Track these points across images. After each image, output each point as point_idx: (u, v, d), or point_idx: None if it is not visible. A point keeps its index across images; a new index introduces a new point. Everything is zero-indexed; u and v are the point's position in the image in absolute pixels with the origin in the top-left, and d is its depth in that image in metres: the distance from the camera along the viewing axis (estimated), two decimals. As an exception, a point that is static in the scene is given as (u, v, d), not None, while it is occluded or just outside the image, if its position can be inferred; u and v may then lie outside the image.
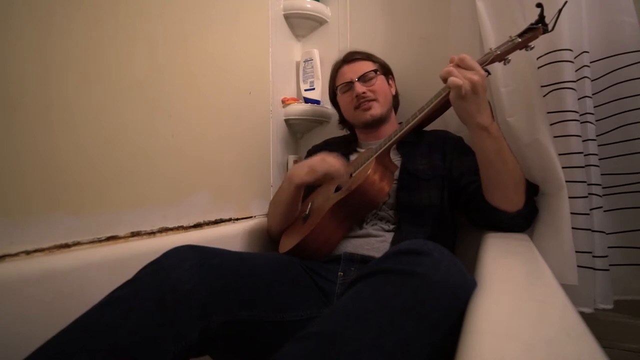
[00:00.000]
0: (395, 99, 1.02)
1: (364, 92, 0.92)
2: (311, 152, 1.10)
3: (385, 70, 1.00)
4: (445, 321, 0.40)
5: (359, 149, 1.00)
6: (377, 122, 0.94)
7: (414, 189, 0.82)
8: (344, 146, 1.03)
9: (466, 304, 0.40)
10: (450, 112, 0.73)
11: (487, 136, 0.66)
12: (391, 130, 0.84)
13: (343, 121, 1.08)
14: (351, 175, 0.84)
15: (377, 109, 0.93)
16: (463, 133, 0.92)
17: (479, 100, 0.64)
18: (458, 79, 0.63)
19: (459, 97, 0.64)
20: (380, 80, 0.95)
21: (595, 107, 0.78)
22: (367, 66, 0.96)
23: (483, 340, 0.30)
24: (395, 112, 1.04)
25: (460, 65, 0.64)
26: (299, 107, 1.28)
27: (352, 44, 1.26)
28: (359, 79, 0.93)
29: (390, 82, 1.01)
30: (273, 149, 1.23)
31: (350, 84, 0.95)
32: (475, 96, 0.64)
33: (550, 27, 0.62)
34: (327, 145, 1.08)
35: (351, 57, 0.99)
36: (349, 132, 1.09)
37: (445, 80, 0.65)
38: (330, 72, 1.04)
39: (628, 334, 0.89)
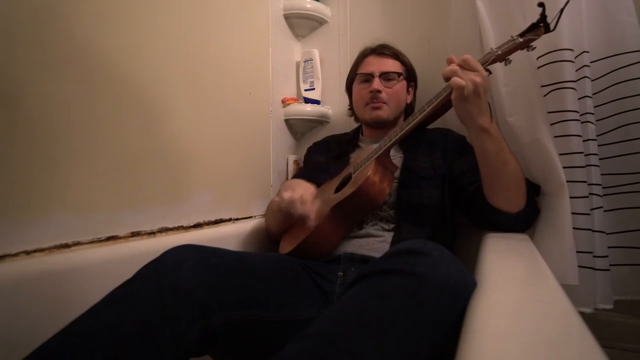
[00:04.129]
0: (410, 108, 1.00)
1: (379, 91, 0.90)
2: (311, 150, 1.09)
3: (409, 75, 0.97)
4: (445, 321, 0.40)
5: (360, 144, 1.00)
6: (381, 125, 0.94)
7: (415, 187, 0.82)
8: (344, 144, 1.02)
9: (466, 303, 0.40)
10: (451, 112, 0.72)
11: (488, 137, 0.66)
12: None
13: (352, 109, 1.05)
14: (351, 174, 0.84)
15: (384, 112, 0.92)
16: (464, 132, 0.92)
17: (480, 102, 0.64)
18: (461, 79, 0.62)
19: (461, 98, 0.64)
20: (400, 86, 0.93)
21: (595, 107, 0.78)
22: (393, 66, 0.94)
23: (483, 340, 0.30)
24: (405, 119, 1.03)
25: (463, 66, 0.64)
26: (299, 107, 1.28)
27: (352, 44, 1.26)
28: (380, 75, 0.92)
29: (410, 89, 0.99)
30: (273, 149, 1.23)
31: (370, 77, 0.93)
32: (476, 98, 0.63)
33: (552, 26, 0.62)
34: (328, 142, 1.07)
35: (382, 50, 0.96)
36: (352, 129, 1.08)
37: (447, 79, 0.65)
38: (357, 57, 1.01)
39: (628, 334, 0.89)
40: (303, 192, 0.74)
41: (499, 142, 0.67)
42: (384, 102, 0.91)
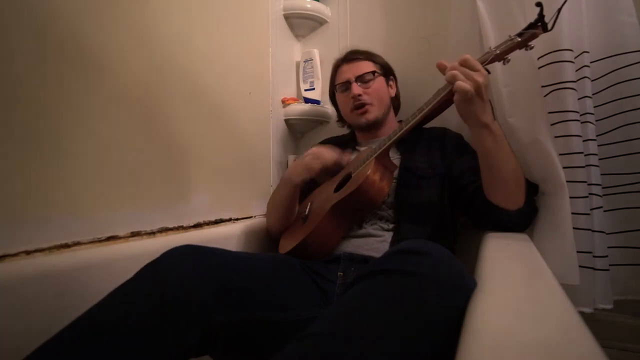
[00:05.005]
0: (396, 100, 1.02)
1: (359, 95, 0.92)
2: None
3: (385, 71, 0.99)
4: (445, 321, 0.40)
5: (358, 148, 1.00)
6: (373, 126, 0.94)
7: (414, 187, 0.82)
8: (343, 145, 1.03)
9: (466, 304, 0.40)
10: (449, 111, 0.73)
11: (489, 134, 0.66)
12: (390, 130, 0.84)
13: (342, 119, 1.08)
14: (351, 173, 0.84)
15: (372, 114, 0.92)
16: (462, 131, 0.92)
17: (482, 101, 0.64)
18: (465, 83, 0.62)
19: (464, 100, 0.63)
20: (378, 83, 0.95)
21: (595, 107, 0.78)
22: (366, 67, 0.95)
23: (483, 340, 0.30)
24: (396, 113, 1.03)
25: (464, 65, 0.64)
26: (299, 107, 1.28)
27: (352, 44, 1.26)
28: (356, 80, 0.93)
29: (391, 83, 1.00)
30: (273, 149, 1.23)
31: (347, 84, 0.95)
32: (479, 98, 0.63)
33: (549, 26, 0.62)
34: (327, 144, 1.07)
35: (352, 56, 0.98)
36: (348, 131, 1.09)
37: (451, 83, 0.65)
38: (331, 70, 1.04)
39: (628, 334, 0.89)
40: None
41: (499, 139, 0.67)
42: (369, 103, 0.92)
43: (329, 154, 0.86)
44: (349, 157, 0.90)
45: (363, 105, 0.92)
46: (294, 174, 0.87)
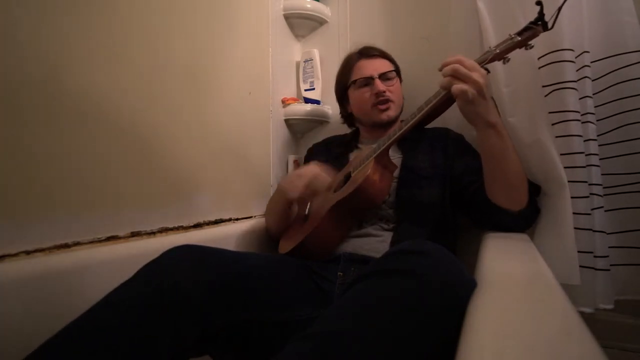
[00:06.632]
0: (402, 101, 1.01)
1: (384, 91, 0.90)
2: (311, 151, 1.10)
3: (398, 72, 0.99)
4: (445, 321, 0.40)
5: (360, 145, 1.00)
6: (388, 124, 0.94)
7: (415, 186, 0.82)
8: (344, 144, 1.02)
9: (466, 303, 0.40)
10: (449, 111, 0.72)
11: (494, 133, 0.66)
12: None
13: (346, 116, 1.05)
14: (350, 173, 0.84)
15: (393, 111, 0.92)
16: (463, 131, 0.92)
17: (485, 101, 0.64)
18: (461, 85, 0.61)
19: (466, 102, 0.63)
20: (397, 82, 0.95)
21: (595, 107, 0.78)
22: (387, 65, 0.95)
23: (483, 339, 0.30)
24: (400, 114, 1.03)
25: (461, 65, 0.63)
26: (299, 107, 1.28)
27: (352, 44, 1.26)
28: (379, 77, 0.92)
29: (400, 84, 1.00)
30: (273, 149, 1.23)
31: (369, 80, 0.93)
32: (482, 98, 0.63)
33: (549, 25, 0.62)
34: (328, 144, 1.08)
35: (370, 53, 0.96)
36: (351, 129, 1.08)
37: (447, 89, 0.64)
38: (343, 65, 1.01)
39: (628, 334, 0.89)
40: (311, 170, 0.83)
41: (504, 139, 0.67)
42: (392, 101, 0.92)
43: (310, 170, 0.84)
44: (330, 172, 0.88)
45: (387, 101, 0.91)
46: (287, 189, 0.84)
